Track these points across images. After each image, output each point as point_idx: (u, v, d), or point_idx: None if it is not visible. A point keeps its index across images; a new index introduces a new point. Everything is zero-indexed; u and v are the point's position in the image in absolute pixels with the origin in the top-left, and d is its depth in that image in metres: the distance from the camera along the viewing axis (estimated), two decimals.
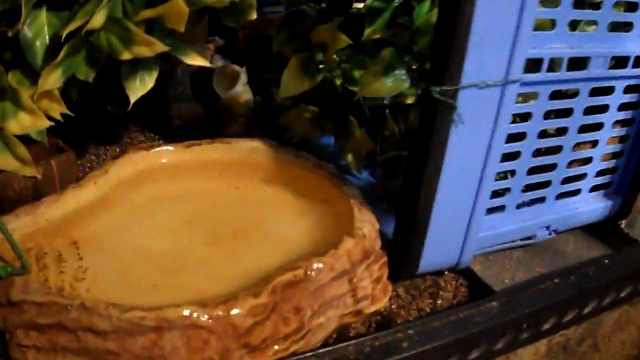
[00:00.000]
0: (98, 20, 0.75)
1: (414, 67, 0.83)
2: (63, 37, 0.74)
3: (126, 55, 0.78)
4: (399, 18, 0.87)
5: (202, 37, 0.94)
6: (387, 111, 0.90)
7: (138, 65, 0.83)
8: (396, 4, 0.87)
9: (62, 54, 0.75)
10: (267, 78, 1.00)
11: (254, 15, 0.87)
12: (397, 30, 0.87)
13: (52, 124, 0.78)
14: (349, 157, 0.94)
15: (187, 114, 0.96)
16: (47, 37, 0.77)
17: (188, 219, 0.83)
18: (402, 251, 0.82)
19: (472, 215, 0.83)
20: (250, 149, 0.88)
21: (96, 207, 0.82)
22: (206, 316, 0.65)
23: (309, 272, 0.71)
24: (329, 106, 0.91)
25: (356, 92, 0.85)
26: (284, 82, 0.88)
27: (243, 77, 0.97)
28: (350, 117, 0.90)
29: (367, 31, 0.86)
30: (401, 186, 0.81)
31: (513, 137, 0.83)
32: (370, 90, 0.82)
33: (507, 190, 0.89)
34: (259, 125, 0.99)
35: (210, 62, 1.00)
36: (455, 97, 0.72)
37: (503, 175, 0.87)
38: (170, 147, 0.88)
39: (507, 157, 0.84)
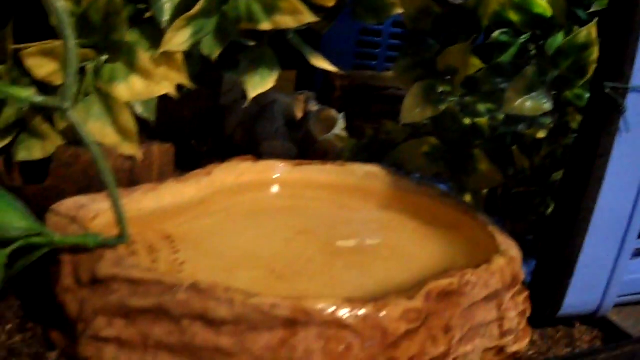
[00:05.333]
0: None
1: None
2: None
3: (265, 25, 0.61)
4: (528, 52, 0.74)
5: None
6: (514, 147, 0.75)
7: (261, 60, 0.67)
8: (523, 40, 0.74)
9: (197, 8, 0.59)
10: (366, 126, 0.87)
11: (397, 10, 0.72)
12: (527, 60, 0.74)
13: (171, 90, 0.61)
14: (467, 196, 0.77)
15: (280, 152, 0.82)
16: None
17: (300, 230, 0.66)
18: (544, 291, 0.66)
19: (621, 253, 0.66)
20: (366, 174, 0.72)
21: (195, 207, 0.66)
22: (353, 314, 0.47)
23: (463, 283, 0.53)
24: (449, 139, 0.76)
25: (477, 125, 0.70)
26: (406, 108, 0.73)
27: (341, 123, 0.84)
28: (474, 151, 0.75)
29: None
30: (551, 216, 0.69)
31: None
32: (513, 107, 0.69)
33: None
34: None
35: (306, 107, 0.86)
36: (624, 98, 0.57)
37: None
38: (278, 162, 0.72)
39: None
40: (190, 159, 0.81)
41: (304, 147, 0.84)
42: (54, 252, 0.53)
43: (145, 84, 0.60)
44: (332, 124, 0.84)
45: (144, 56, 0.59)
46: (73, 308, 0.53)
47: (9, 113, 0.61)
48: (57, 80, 0.58)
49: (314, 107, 0.86)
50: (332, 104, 0.87)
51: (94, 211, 0.58)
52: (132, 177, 0.67)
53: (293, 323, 0.46)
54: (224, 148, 0.85)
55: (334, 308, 0.46)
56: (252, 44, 0.66)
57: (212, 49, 0.62)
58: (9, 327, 0.58)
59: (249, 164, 0.70)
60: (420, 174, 0.76)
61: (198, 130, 0.77)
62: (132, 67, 0.60)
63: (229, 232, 0.64)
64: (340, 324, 0.46)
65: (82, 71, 0.60)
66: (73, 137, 0.62)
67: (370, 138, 0.82)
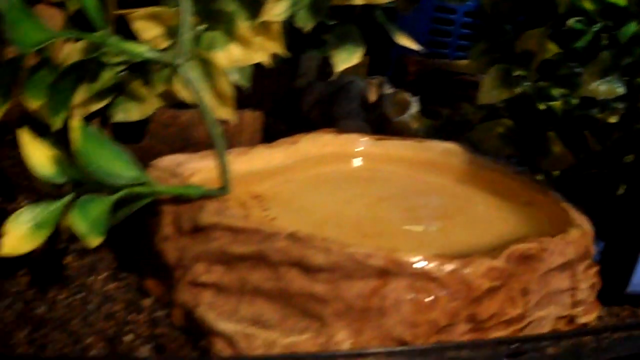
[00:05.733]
0: None
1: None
2: None
3: (359, 0, 0.64)
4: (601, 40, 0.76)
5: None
6: (586, 131, 0.77)
7: (347, 37, 0.70)
8: (597, 28, 0.76)
9: None
10: (439, 110, 0.89)
11: None
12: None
13: (266, 59, 0.64)
14: (539, 177, 0.79)
15: (355, 132, 0.84)
16: None
17: (381, 197, 0.68)
18: (612, 269, 0.67)
19: None
20: (444, 150, 0.75)
21: (281, 172, 0.69)
22: (442, 268, 0.49)
23: (542, 249, 0.55)
24: (524, 121, 0.78)
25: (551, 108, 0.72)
26: (483, 90, 0.75)
27: (415, 105, 0.86)
28: (548, 133, 0.77)
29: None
30: (621, 197, 0.70)
31: None
32: (588, 90, 0.71)
33: None
34: None
35: (380, 90, 0.89)
36: None
37: None
38: (360, 136, 0.75)
39: None
40: (268, 136, 0.84)
41: (378, 127, 0.86)
42: (153, 203, 0.56)
43: (243, 52, 0.63)
44: (406, 106, 0.86)
45: (243, 25, 0.62)
46: (172, 256, 0.56)
47: (107, 77, 0.65)
48: (162, 44, 0.61)
49: (388, 89, 0.89)
50: (405, 88, 0.89)
51: (191, 169, 0.61)
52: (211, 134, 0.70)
53: (385, 273, 0.49)
54: (301, 126, 0.87)
55: (424, 261, 0.49)
56: (334, 23, 0.69)
57: (305, 22, 0.65)
58: (102, 276, 0.61)
59: (332, 136, 0.73)
60: (494, 154, 0.78)
61: (276, 108, 0.80)
62: (231, 35, 0.63)
63: (314, 195, 0.67)
64: (429, 277, 0.49)
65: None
66: (171, 100, 0.65)
67: (445, 118, 0.84)
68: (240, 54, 0.63)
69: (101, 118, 0.68)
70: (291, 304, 0.51)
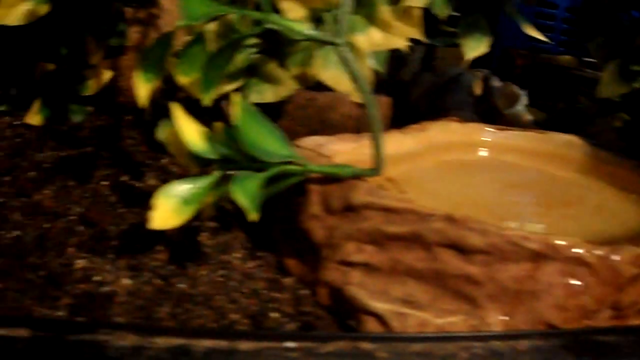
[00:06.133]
0: None
1: None
2: None
3: None
4: None
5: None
6: None
7: (476, 26, 0.71)
8: None
9: None
10: (548, 103, 0.90)
11: None
12: None
13: (405, 44, 0.65)
14: None
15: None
16: None
17: (509, 184, 0.69)
18: None
19: None
20: (566, 143, 0.75)
21: (411, 157, 0.69)
22: (593, 253, 0.50)
23: None
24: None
25: None
26: (603, 84, 0.76)
27: (524, 99, 0.87)
28: None
29: None
30: None
31: None
32: None
33: None
34: None
35: (487, 83, 0.90)
36: None
37: None
38: (484, 125, 0.76)
39: None
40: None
41: (488, 119, 0.87)
42: (300, 182, 0.57)
43: (383, 36, 0.64)
44: (515, 99, 0.87)
45: (385, 9, 0.63)
46: (319, 234, 0.57)
47: (240, 58, 0.66)
48: None
49: (496, 82, 0.90)
50: (511, 81, 0.90)
51: (330, 150, 0.62)
52: (358, 124, 0.71)
53: (539, 257, 0.49)
54: (409, 117, 0.89)
55: (577, 246, 0.50)
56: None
57: (442, 10, 0.66)
58: (239, 254, 0.62)
59: (458, 124, 0.74)
60: (610, 147, 0.79)
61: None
62: (372, 19, 0.64)
63: (445, 180, 0.68)
64: (580, 262, 0.49)
65: (319, 21, 0.64)
66: (305, 82, 0.66)
67: (561, 111, 0.85)
68: (380, 38, 0.64)
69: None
70: (444, 285, 0.52)
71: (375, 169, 0.56)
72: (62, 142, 0.74)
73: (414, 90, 0.90)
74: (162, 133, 0.70)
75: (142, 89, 0.55)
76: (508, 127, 0.75)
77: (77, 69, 0.76)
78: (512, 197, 0.66)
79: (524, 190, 0.69)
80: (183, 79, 0.55)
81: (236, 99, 0.52)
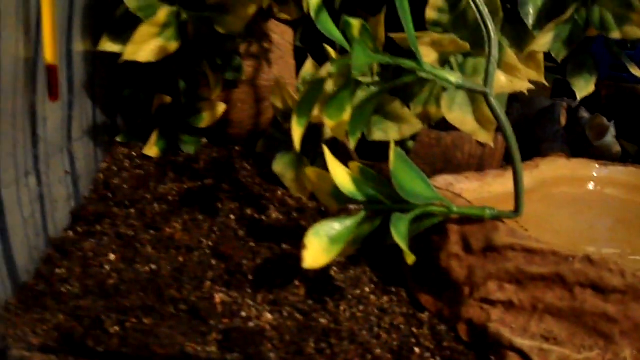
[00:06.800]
0: None
1: None
2: None
3: (615, 34, 0.68)
4: None
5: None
6: None
7: (584, 65, 0.74)
8: None
9: (567, 14, 0.67)
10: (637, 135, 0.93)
11: None
12: None
13: (528, 87, 0.68)
14: None
15: (559, 155, 0.88)
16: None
17: (618, 219, 0.74)
18: None
19: None
20: None
21: (527, 194, 0.71)
22: None
23: None
24: None
25: None
26: None
27: (612, 130, 0.89)
28: None
29: None
30: None
31: None
32: None
33: None
34: None
35: (576, 114, 0.93)
36: None
37: None
38: (589, 161, 0.79)
39: None
40: None
41: (579, 151, 0.90)
42: (438, 222, 0.61)
43: (508, 79, 0.67)
44: (604, 130, 0.89)
45: (510, 53, 0.67)
46: (459, 273, 0.60)
47: (362, 96, 0.69)
48: None
49: (584, 113, 0.92)
50: (597, 111, 0.93)
51: (458, 190, 0.65)
52: (481, 162, 0.74)
53: None
54: None
55: None
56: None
57: (560, 52, 0.69)
58: (369, 288, 0.65)
59: (565, 160, 0.77)
60: None
61: None
62: (499, 63, 0.67)
63: (559, 217, 0.71)
64: None
65: (445, 63, 0.68)
66: (427, 121, 0.70)
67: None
68: (505, 80, 0.67)
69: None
70: (581, 323, 0.55)
71: (517, 211, 0.59)
72: (181, 174, 0.78)
73: None
74: (278, 166, 0.74)
75: (297, 132, 0.58)
76: (610, 163, 0.78)
77: (192, 102, 0.79)
78: (623, 234, 0.70)
79: (633, 226, 0.72)
80: (330, 122, 0.58)
81: (393, 145, 0.56)
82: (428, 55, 0.65)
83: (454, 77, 0.55)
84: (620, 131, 0.91)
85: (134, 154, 0.81)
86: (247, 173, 0.79)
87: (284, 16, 0.79)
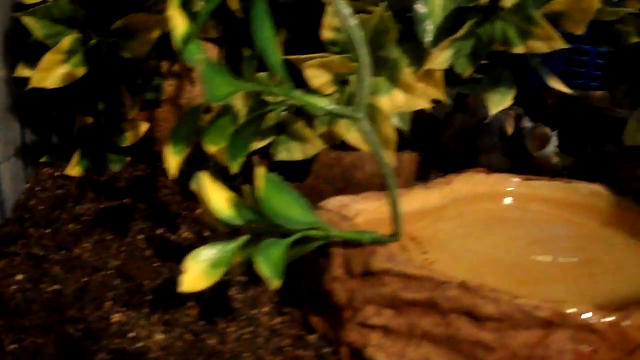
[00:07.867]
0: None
1: None
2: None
3: (519, 49, 0.67)
4: None
5: None
6: None
7: (500, 80, 0.74)
8: None
9: (462, 31, 0.67)
10: (579, 145, 0.92)
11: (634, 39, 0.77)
12: None
13: (428, 105, 0.69)
14: None
15: (496, 166, 0.88)
16: (440, 16, 0.68)
17: (532, 240, 0.72)
18: None
19: None
20: (591, 193, 0.77)
21: (435, 212, 0.73)
22: (602, 320, 0.53)
23: None
24: None
25: None
26: (629, 132, 0.77)
27: (554, 140, 0.89)
28: None
29: None
30: None
31: None
32: None
33: None
34: None
35: (519, 123, 0.93)
36: None
37: None
38: (510, 176, 0.79)
39: None
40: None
41: (518, 161, 0.90)
42: (324, 245, 0.61)
43: (407, 98, 0.68)
44: (545, 141, 0.89)
45: (407, 72, 0.67)
46: (342, 296, 0.61)
47: (271, 117, 0.70)
48: (327, 90, 0.67)
49: (527, 123, 0.92)
50: (543, 121, 0.92)
51: (354, 210, 0.66)
52: (384, 182, 0.75)
53: (550, 324, 0.53)
54: (439, 157, 0.92)
55: (587, 313, 0.53)
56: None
57: (464, 69, 0.69)
58: (266, 309, 0.67)
59: (483, 176, 0.76)
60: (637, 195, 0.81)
61: (414, 139, 0.84)
62: (396, 81, 0.67)
63: (468, 237, 0.71)
64: (590, 329, 0.53)
65: (344, 83, 0.69)
66: (332, 141, 0.70)
67: (589, 156, 0.87)
68: (403, 99, 0.68)
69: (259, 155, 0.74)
70: (457, 350, 0.55)
71: (395, 235, 0.60)
72: (101, 194, 0.80)
73: (446, 131, 0.93)
74: (195, 185, 0.75)
75: (172, 161, 0.59)
76: (534, 177, 0.77)
77: (114, 122, 0.81)
78: (534, 256, 0.69)
79: (547, 247, 0.71)
80: (211, 149, 0.60)
81: (260, 172, 0.56)
82: (319, 77, 0.66)
83: (324, 103, 0.56)
84: (564, 141, 0.90)
85: (57, 174, 0.83)
86: (168, 191, 0.81)
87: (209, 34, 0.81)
